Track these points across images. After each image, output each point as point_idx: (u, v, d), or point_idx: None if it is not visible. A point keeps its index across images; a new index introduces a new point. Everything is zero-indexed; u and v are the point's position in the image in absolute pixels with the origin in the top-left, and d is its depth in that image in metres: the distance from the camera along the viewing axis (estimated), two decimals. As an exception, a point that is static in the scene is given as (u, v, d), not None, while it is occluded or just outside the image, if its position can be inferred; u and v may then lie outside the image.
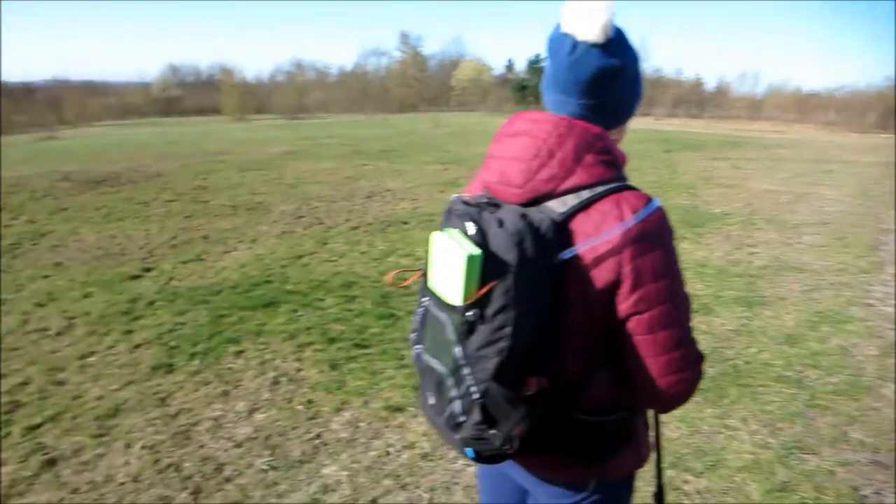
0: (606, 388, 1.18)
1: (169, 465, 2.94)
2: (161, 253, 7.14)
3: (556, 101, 1.21)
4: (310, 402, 3.55)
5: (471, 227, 1.04)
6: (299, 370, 3.96)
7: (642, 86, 1.26)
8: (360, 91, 68.13)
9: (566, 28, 1.13)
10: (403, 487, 2.78)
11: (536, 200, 1.11)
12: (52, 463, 3.01)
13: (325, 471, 2.89)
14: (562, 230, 1.08)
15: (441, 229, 1.12)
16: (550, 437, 1.18)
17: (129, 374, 3.96)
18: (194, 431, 3.25)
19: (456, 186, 11.79)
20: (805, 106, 50.23)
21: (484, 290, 1.00)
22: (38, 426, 3.35)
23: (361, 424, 3.29)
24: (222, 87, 65.22)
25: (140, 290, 5.68)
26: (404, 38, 75.23)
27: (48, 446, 3.15)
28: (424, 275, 1.19)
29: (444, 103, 67.03)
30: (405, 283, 1.24)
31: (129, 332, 4.67)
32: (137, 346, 4.39)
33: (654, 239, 1.09)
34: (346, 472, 2.87)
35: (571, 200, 1.09)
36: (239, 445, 3.10)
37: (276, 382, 3.80)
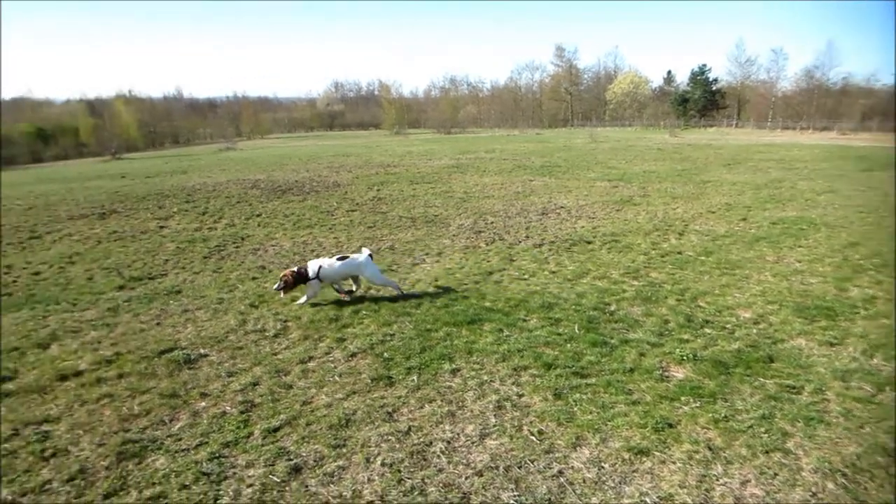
0: None
1: (412, 488, 2.85)
2: (354, 261, 7.38)
3: None
4: (541, 432, 3.34)
5: None
6: (520, 395, 3.77)
7: None
8: (511, 105, 68.73)
9: None
10: (677, 549, 2.46)
11: None
12: (297, 470, 3.04)
13: (581, 516, 2.65)
14: None
15: None
16: None
17: (351, 383, 4.00)
18: (430, 452, 3.16)
19: (632, 205, 11.23)
20: None
21: None
22: (277, 430, 3.45)
23: (605, 465, 3.01)
24: (382, 103, 68.91)
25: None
26: (559, 51, 74.87)
27: (290, 452, 3.21)
28: None
29: (597, 117, 65.56)
30: None
31: (342, 339, 4.78)
32: (353, 355, 4.45)
33: None
34: (604, 522, 2.61)
35: None
36: (479, 474, 2.95)
37: (499, 407, 3.63)
